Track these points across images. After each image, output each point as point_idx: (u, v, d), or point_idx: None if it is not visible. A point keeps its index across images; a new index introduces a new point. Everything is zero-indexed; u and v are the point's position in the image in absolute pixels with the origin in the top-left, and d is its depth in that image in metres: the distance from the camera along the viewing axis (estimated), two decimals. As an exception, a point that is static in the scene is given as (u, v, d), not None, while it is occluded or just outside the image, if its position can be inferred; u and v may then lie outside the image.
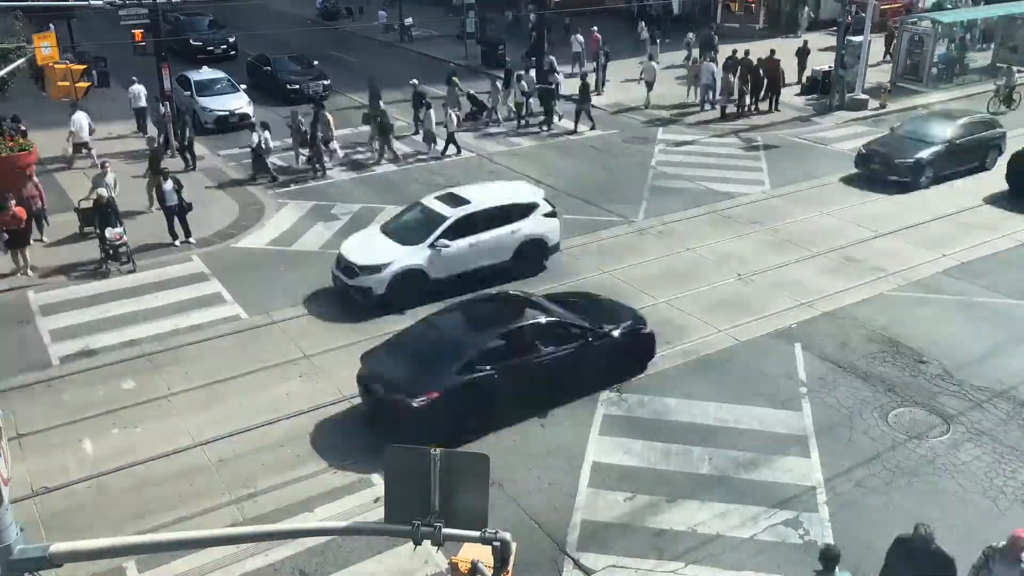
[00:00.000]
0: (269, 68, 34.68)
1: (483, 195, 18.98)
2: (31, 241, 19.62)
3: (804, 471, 12.87)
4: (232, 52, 41.29)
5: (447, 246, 17.61)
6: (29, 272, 19.01)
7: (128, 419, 14.20)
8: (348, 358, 15.86)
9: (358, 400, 14.45)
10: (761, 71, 30.94)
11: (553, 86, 30.76)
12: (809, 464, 13.02)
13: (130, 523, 11.96)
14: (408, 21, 45.59)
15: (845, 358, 15.73)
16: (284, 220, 22.19)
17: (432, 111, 27.09)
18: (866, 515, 11.95)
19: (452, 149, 26.92)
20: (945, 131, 24.44)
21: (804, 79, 33.85)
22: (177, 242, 20.69)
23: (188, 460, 13.22)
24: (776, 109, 31.19)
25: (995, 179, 23.79)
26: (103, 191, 19.60)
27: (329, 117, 26.14)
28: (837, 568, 9.38)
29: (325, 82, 34.05)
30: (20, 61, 22.37)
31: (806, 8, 43.26)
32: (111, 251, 19.20)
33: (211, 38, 41.23)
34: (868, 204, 22.68)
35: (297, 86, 33.45)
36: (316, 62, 35.74)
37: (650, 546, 11.51)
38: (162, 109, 26.78)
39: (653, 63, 33.16)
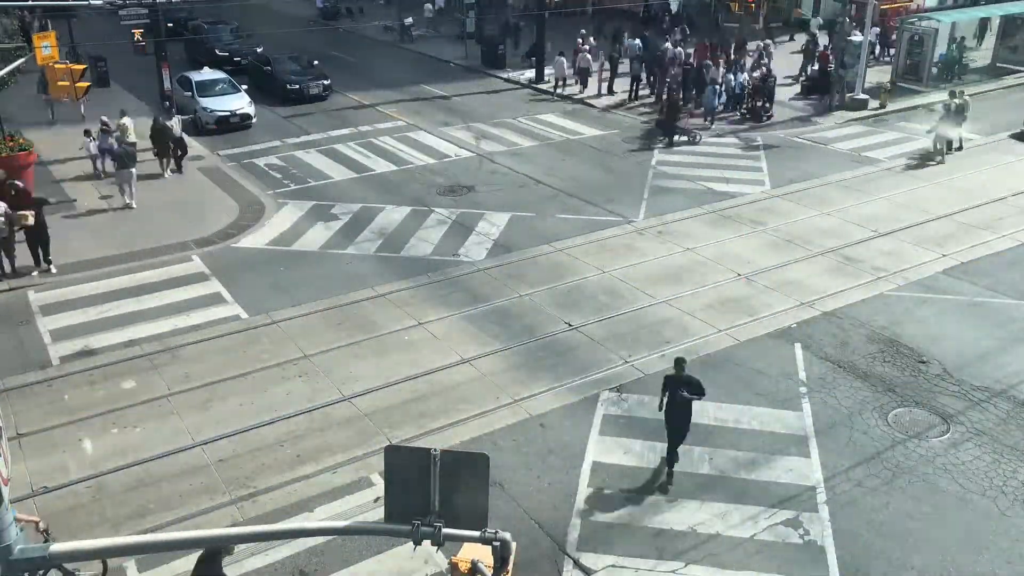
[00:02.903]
0: (269, 68, 34.65)
1: None
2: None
3: (804, 471, 12.87)
4: (240, 47, 39.66)
5: None
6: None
7: (128, 419, 14.19)
8: (348, 358, 15.90)
9: (358, 399, 14.49)
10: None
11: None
12: (809, 464, 13.02)
13: (130, 523, 11.96)
14: (408, 21, 45.62)
15: (845, 358, 15.73)
16: (284, 220, 22.18)
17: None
18: (866, 515, 11.95)
19: None
20: None
21: (804, 79, 33.91)
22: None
23: (188, 460, 13.20)
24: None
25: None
26: None
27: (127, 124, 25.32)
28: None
29: (325, 82, 34.03)
30: (20, 61, 22.37)
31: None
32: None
33: (239, 48, 39.25)
34: (868, 204, 22.67)
35: (297, 86, 33.42)
36: (316, 62, 35.70)
37: (650, 546, 11.51)
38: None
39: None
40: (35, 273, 18.94)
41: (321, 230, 21.55)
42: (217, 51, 38.55)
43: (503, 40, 39.43)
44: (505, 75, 37.31)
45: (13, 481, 9.71)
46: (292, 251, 20.47)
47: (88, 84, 22.48)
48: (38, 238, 18.96)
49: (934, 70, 34.17)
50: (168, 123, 25.20)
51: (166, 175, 25.01)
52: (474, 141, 28.74)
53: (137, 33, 26.68)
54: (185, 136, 26.28)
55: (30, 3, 25.84)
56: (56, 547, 6.36)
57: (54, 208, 21.94)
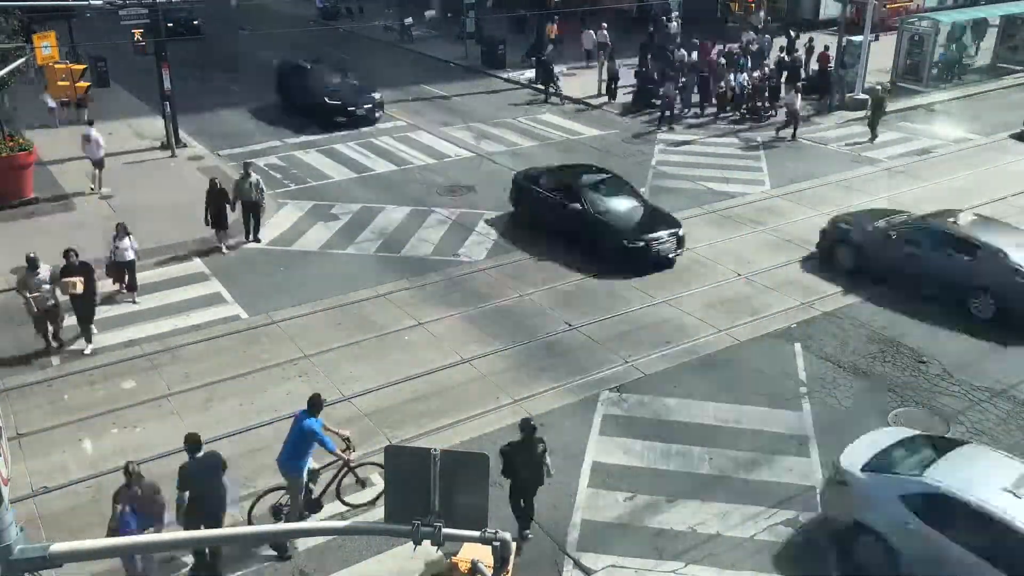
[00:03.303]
0: (579, 206, 20.23)
1: None
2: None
3: (804, 471, 12.88)
4: (378, 114, 30.69)
5: None
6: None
7: (128, 419, 14.19)
8: (348, 358, 15.90)
9: (358, 399, 14.54)
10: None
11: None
12: (809, 464, 13.02)
13: (130, 523, 11.95)
14: (408, 21, 45.60)
15: (845, 358, 15.73)
16: (284, 220, 22.18)
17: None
18: (866, 515, 11.93)
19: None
20: None
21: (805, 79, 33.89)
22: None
23: (188, 460, 13.19)
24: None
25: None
26: None
27: None
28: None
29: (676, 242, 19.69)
30: (20, 61, 22.36)
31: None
32: None
33: (351, 95, 30.22)
34: (868, 204, 22.64)
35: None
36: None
37: (650, 546, 11.52)
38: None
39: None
40: (86, 351, 16.24)
41: (321, 230, 21.55)
42: (327, 100, 29.77)
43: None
44: (505, 75, 37.30)
45: (13, 481, 9.71)
46: (292, 251, 20.47)
47: (88, 84, 22.49)
48: (83, 309, 16.20)
49: (934, 70, 34.16)
50: (247, 182, 20.52)
51: (224, 250, 20.31)
52: (474, 141, 28.73)
53: (137, 33, 26.62)
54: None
55: (30, 3, 25.81)
56: (56, 547, 6.35)
57: (53, 208, 22.00)
